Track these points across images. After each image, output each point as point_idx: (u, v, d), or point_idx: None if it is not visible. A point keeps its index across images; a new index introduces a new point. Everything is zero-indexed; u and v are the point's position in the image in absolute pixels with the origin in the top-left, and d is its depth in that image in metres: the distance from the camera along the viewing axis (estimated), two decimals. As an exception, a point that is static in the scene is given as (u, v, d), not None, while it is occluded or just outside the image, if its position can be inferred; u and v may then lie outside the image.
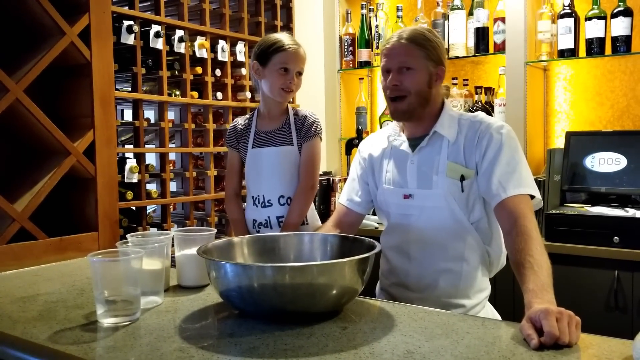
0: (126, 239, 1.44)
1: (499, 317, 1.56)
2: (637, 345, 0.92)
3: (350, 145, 2.95)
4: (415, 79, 1.51)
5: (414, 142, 1.58)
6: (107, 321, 1.20)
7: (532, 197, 1.44)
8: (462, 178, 1.49)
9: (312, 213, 1.95)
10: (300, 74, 1.85)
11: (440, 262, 1.52)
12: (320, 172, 2.35)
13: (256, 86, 1.92)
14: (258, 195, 1.88)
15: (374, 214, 1.90)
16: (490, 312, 1.58)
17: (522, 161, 1.47)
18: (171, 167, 2.81)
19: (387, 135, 1.66)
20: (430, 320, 1.19)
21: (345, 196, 1.74)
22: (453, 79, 2.89)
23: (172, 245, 1.49)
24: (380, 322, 1.18)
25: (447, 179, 1.50)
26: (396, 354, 1.00)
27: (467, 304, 1.51)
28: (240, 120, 1.98)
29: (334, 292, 1.17)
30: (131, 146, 2.49)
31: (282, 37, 1.84)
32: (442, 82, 1.57)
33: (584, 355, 0.98)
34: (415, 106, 1.53)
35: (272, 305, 1.16)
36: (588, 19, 2.50)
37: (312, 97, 3.13)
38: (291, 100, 2.89)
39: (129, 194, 2.30)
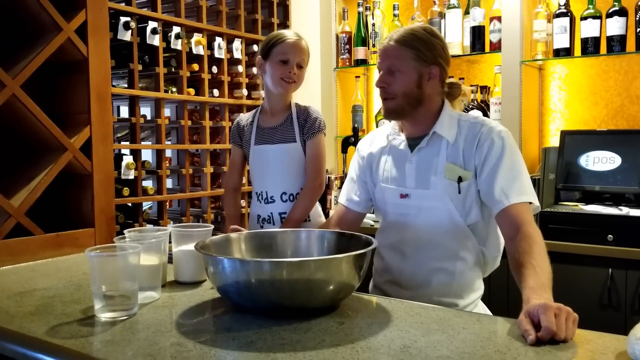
0: (123, 234, 1.44)
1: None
2: (631, 341, 0.93)
3: (346, 144, 2.95)
4: (403, 81, 1.51)
5: (412, 142, 1.58)
6: (104, 316, 1.20)
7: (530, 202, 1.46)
8: (460, 180, 1.48)
9: (316, 210, 1.95)
10: (301, 66, 1.85)
11: (434, 261, 1.53)
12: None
13: (263, 82, 1.94)
14: (261, 192, 1.90)
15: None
16: (482, 311, 1.57)
17: (523, 168, 1.48)
18: (167, 164, 2.81)
19: (386, 134, 1.66)
20: (426, 316, 1.20)
21: (345, 196, 1.74)
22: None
23: (170, 241, 1.50)
24: (376, 318, 1.19)
25: (445, 180, 1.50)
26: (393, 348, 1.01)
27: (460, 304, 1.51)
28: (244, 117, 1.99)
29: (331, 287, 1.18)
30: (127, 143, 2.49)
31: (284, 31, 1.87)
32: (437, 81, 1.54)
33: (579, 351, 0.99)
34: (404, 106, 1.53)
35: (269, 300, 1.16)
36: (583, 18, 2.52)
37: (308, 95, 3.12)
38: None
39: (125, 191, 2.30)
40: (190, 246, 1.40)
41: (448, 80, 1.62)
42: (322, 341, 1.04)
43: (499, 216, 1.43)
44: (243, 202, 2.03)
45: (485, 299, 1.64)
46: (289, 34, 1.84)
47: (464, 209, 1.50)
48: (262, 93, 2.24)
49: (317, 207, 1.96)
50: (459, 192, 1.49)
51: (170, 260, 1.51)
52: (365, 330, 1.12)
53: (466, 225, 1.51)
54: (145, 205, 2.65)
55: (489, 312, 1.60)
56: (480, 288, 1.57)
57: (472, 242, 1.52)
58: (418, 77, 1.51)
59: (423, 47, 1.50)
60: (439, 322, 1.15)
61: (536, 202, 1.46)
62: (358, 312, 1.23)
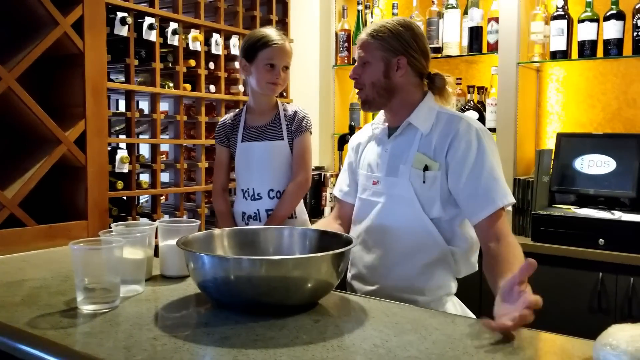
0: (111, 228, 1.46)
1: (470, 314, 1.55)
2: (596, 347, 0.94)
3: (343, 141, 2.95)
4: (370, 72, 1.55)
5: (391, 131, 1.61)
6: (86, 308, 1.22)
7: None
8: (426, 168, 1.49)
9: (301, 207, 1.97)
10: (286, 68, 1.87)
11: (395, 254, 1.53)
12: (313, 167, 2.38)
13: (246, 81, 1.95)
14: (248, 189, 1.91)
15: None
16: (453, 309, 1.55)
17: (499, 168, 1.48)
18: (164, 159, 2.82)
19: (371, 124, 1.70)
20: (402, 316, 1.21)
21: (337, 188, 1.77)
22: (449, 76, 2.90)
23: (157, 236, 1.52)
24: (353, 316, 1.21)
25: (412, 169, 1.51)
26: (363, 347, 1.02)
27: (420, 300, 1.50)
28: (229, 117, 2.01)
29: (309, 285, 1.19)
30: (124, 137, 2.51)
31: (268, 32, 1.86)
32: (408, 72, 1.54)
33: (546, 354, 1.01)
34: (374, 97, 1.56)
35: (247, 297, 1.18)
36: (581, 21, 2.51)
37: (306, 92, 3.14)
38: (284, 94, 2.91)
39: (120, 184, 2.32)
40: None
41: (433, 72, 1.62)
42: (296, 338, 1.06)
43: (478, 225, 1.44)
44: (232, 198, 2.05)
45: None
46: (273, 36, 1.84)
47: (427, 200, 1.50)
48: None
49: (301, 204, 1.98)
50: (424, 182, 1.50)
51: (157, 254, 1.52)
52: (340, 328, 1.13)
53: (429, 219, 1.50)
54: (142, 199, 2.67)
55: (467, 310, 1.59)
56: (447, 285, 1.55)
57: (435, 239, 1.50)
58: (385, 67, 1.53)
59: (390, 37, 1.53)
60: (413, 323, 1.16)
61: (513, 200, 1.47)
62: (335, 310, 1.25)
